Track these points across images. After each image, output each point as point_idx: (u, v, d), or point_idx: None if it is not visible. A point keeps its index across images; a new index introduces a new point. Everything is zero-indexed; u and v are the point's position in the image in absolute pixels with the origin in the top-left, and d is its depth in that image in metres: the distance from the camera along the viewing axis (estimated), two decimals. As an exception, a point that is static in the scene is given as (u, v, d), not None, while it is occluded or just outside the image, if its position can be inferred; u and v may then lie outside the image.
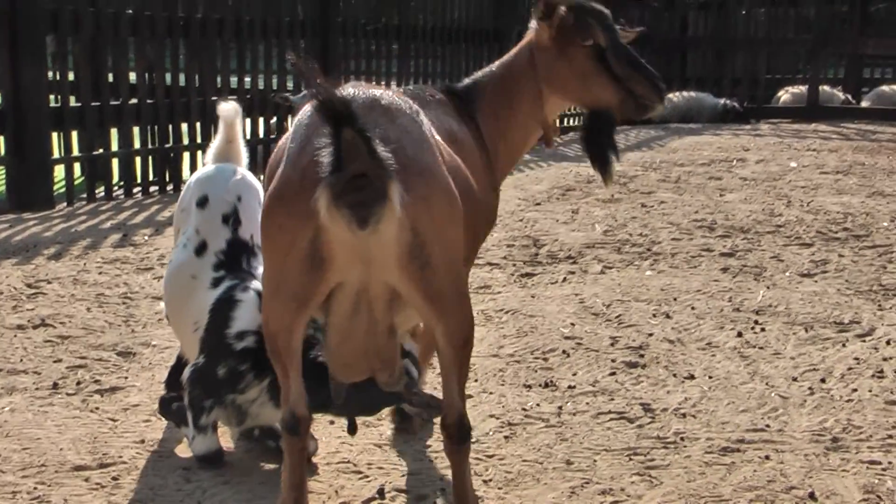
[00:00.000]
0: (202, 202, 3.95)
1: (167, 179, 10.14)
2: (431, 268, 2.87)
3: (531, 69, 3.89)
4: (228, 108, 4.17)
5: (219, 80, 10.51)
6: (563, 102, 4.01)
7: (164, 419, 4.14)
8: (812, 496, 3.69)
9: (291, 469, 3.22)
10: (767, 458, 4.00)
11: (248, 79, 11.08)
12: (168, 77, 10.18)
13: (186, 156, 10.30)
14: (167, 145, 10.09)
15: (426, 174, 2.90)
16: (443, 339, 3.03)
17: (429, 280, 2.89)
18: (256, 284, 3.72)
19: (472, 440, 3.99)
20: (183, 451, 3.95)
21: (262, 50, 10.93)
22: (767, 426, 4.30)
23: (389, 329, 3.05)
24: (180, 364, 4.39)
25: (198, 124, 10.31)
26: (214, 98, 10.26)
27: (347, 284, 2.94)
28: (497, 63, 4.01)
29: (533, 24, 3.92)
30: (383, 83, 13.08)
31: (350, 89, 3.04)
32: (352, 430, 3.62)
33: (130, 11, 9.58)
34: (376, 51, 12.92)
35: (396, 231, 2.78)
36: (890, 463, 3.98)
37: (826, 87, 18.73)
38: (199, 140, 10.27)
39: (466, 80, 4.00)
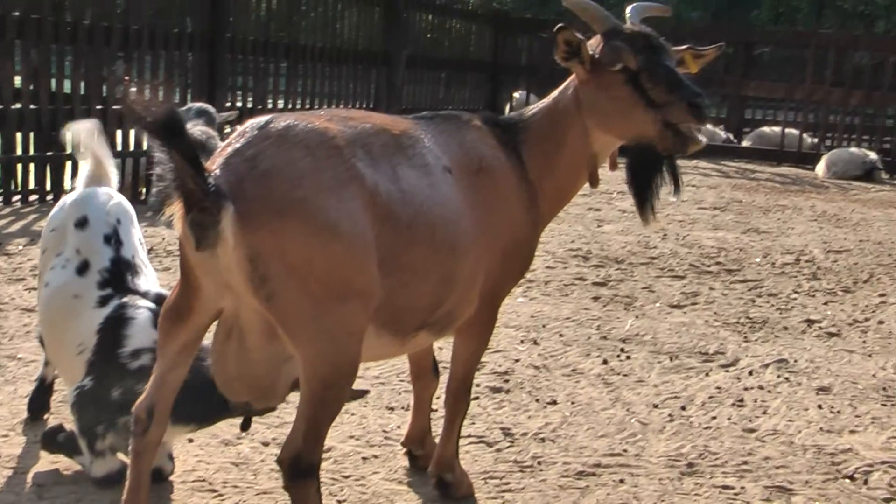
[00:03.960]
0: (81, 223, 3.87)
1: (48, 189, 9.94)
2: (279, 301, 2.82)
3: (576, 105, 3.63)
4: (85, 128, 4.11)
5: (104, 88, 10.35)
6: (610, 139, 3.67)
7: (50, 454, 3.93)
8: (662, 520, 3.77)
9: (129, 470, 3.22)
10: (622, 481, 4.07)
11: (133, 89, 10.92)
12: (53, 83, 10.00)
13: (69, 165, 10.09)
14: (49, 153, 9.88)
15: (285, 209, 2.81)
16: (301, 374, 2.95)
17: (278, 312, 2.85)
18: (147, 303, 3.68)
19: (329, 460, 4.02)
20: (39, 468, 3.88)
21: (149, 60, 10.81)
22: (625, 451, 4.38)
23: (269, 359, 3.03)
24: (43, 387, 4.31)
25: (82, 134, 10.12)
26: (99, 107, 10.13)
27: (226, 311, 2.99)
28: (547, 98, 3.78)
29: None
30: (270, 101, 13.05)
31: (267, 117, 3.02)
32: (245, 426, 3.61)
33: (17, 14, 9.40)
34: (265, 68, 12.86)
35: (233, 258, 2.79)
36: (743, 488, 4.09)
37: (708, 126, 19.12)
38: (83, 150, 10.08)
39: (513, 113, 3.82)
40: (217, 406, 3.48)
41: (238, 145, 2.91)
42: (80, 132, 4.11)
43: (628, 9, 3.78)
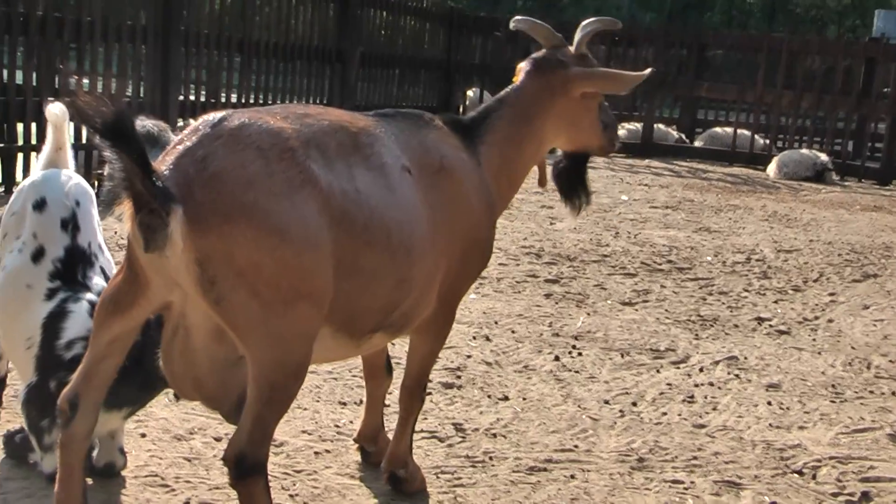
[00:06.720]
0: (39, 205, 3.78)
1: (0, 180, 9.82)
2: (228, 303, 2.79)
3: (549, 115, 3.87)
4: (58, 111, 4.04)
5: (56, 80, 10.24)
6: (556, 145, 4.05)
7: (10, 458, 3.87)
8: (613, 514, 3.80)
9: (59, 462, 3.18)
10: (573, 477, 4.10)
11: (86, 81, 10.81)
12: (5, 74, 9.88)
13: (20, 157, 9.98)
14: (1, 145, 9.74)
15: (234, 212, 2.77)
16: (249, 374, 2.91)
17: (227, 314, 2.82)
18: (90, 296, 3.62)
19: (281, 454, 4.01)
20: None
21: (101, 53, 10.71)
22: (576, 447, 4.40)
23: (213, 360, 3.00)
24: None
25: (33, 125, 9.98)
26: (51, 99, 9.99)
27: (174, 307, 2.96)
28: (506, 100, 3.88)
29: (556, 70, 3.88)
30: (224, 95, 12.98)
31: (221, 114, 2.97)
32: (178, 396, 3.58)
33: (-33, 5, 9.28)
34: (218, 63, 12.81)
35: (182, 261, 2.76)
36: (692, 482, 4.13)
37: (661, 126, 19.28)
38: (34, 141, 9.94)
39: (473, 113, 3.88)
40: (147, 386, 3.47)
41: (189, 144, 2.86)
42: (53, 112, 4.03)
43: (582, 24, 4.06)
